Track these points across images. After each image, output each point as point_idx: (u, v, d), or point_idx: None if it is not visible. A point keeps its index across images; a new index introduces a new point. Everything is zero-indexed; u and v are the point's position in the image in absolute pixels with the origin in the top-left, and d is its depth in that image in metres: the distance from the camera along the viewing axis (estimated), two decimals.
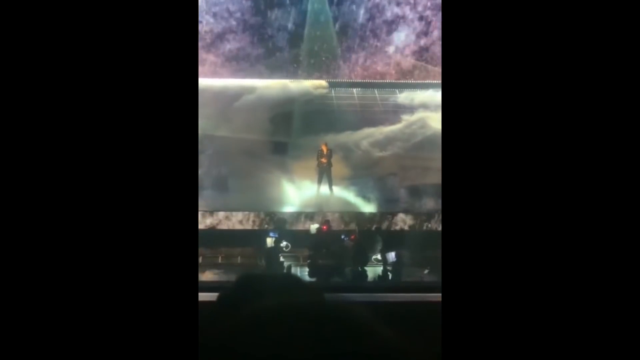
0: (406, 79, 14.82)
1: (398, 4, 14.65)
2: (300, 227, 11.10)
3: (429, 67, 14.64)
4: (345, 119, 13.77)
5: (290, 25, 14.68)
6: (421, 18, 14.63)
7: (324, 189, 11.91)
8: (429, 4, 14.51)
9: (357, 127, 13.52)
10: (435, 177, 10.74)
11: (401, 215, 11.38)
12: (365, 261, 9.91)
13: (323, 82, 14.76)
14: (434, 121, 13.02)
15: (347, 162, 12.50)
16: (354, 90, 14.80)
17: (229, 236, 10.94)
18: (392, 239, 10.19)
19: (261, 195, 11.66)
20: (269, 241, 10.09)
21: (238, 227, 11.25)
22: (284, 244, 10.24)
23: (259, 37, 14.69)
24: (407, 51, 14.84)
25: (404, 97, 14.47)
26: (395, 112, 14.07)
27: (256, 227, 11.17)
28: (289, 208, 11.71)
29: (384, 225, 11.10)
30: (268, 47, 14.70)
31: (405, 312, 2.39)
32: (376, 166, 12.68)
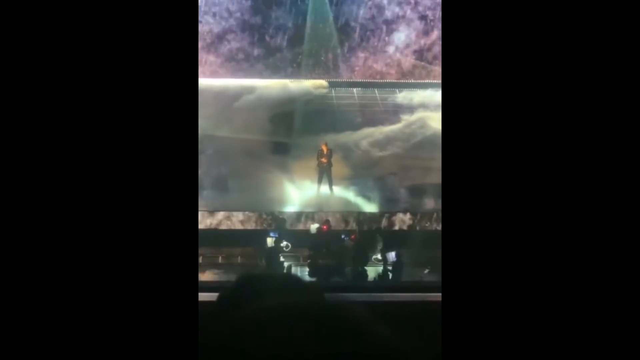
0: (406, 79, 14.83)
1: (399, 4, 14.65)
2: (300, 227, 11.10)
3: (429, 66, 14.64)
4: (346, 118, 13.78)
5: (290, 25, 14.68)
6: (421, 18, 14.63)
7: (324, 188, 11.91)
8: (429, 3, 14.51)
9: (357, 127, 13.52)
10: (435, 176, 10.74)
11: (401, 215, 11.39)
12: (366, 261, 9.91)
13: (323, 82, 14.77)
14: (434, 121, 13.03)
15: (347, 162, 12.51)
16: (354, 90, 14.80)
17: (229, 236, 10.94)
18: (392, 239, 10.20)
19: (261, 195, 11.66)
20: (269, 241, 10.10)
21: (238, 227, 11.25)
22: (284, 243, 10.25)
23: (259, 37, 14.70)
24: (407, 51, 14.84)
25: (404, 96, 14.47)
26: (395, 112, 14.08)
27: (256, 227, 11.17)
28: (289, 208, 11.71)
29: (384, 225, 11.11)
30: (268, 47, 14.70)
31: (405, 312, 2.39)
32: (376, 166, 12.69)
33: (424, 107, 13.87)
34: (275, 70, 14.70)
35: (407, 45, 14.83)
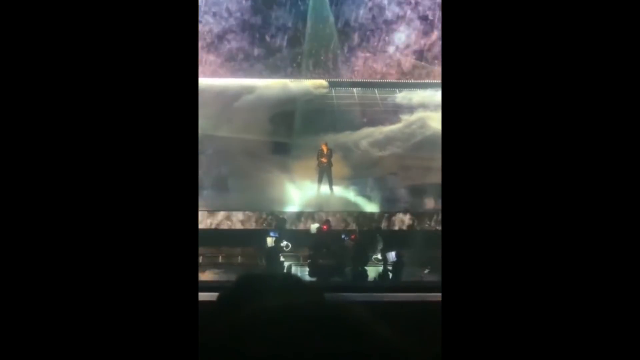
0: (406, 79, 14.83)
1: (399, 4, 14.66)
2: (300, 226, 11.09)
3: (429, 66, 14.65)
4: (346, 118, 13.78)
5: (290, 25, 14.69)
6: (422, 18, 14.63)
7: (324, 188, 11.91)
8: (429, 3, 14.51)
9: (357, 126, 13.52)
10: (435, 176, 10.74)
11: (401, 215, 11.38)
12: (366, 261, 9.91)
13: (323, 82, 14.77)
14: (434, 121, 13.03)
15: (347, 161, 12.51)
16: (354, 90, 14.80)
17: (229, 236, 10.94)
18: (393, 239, 10.19)
19: (261, 195, 11.66)
20: (269, 241, 10.09)
21: (238, 226, 11.25)
22: (284, 243, 10.24)
23: (259, 37, 14.70)
24: (407, 51, 14.85)
25: (403, 96, 14.47)
26: (395, 111, 14.08)
27: (257, 227, 11.17)
28: (289, 208, 11.70)
29: (384, 225, 11.10)
30: (268, 47, 14.70)
31: (405, 312, 2.39)
32: (376, 166, 12.69)
33: (424, 107, 13.87)
34: (275, 70, 14.70)
35: (407, 46, 14.84)
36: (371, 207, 11.77)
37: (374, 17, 14.73)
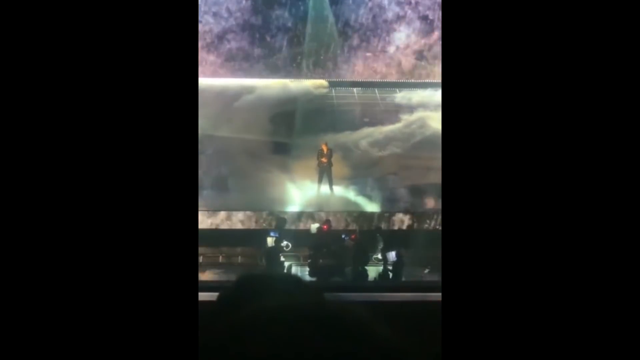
0: (406, 79, 14.83)
1: (399, 4, 14.66)
2: (300, 226, 11.10)
3: (429, 66, 14.65)
4: (346, 118, 13.78)
5: (290, 25, 14.69)
6: (421, 18, 14.63)
7: (325, 188, 11.91)
8: (429, 3, 14.51)
9: (357, 126, 13.52)
10: (435, 176, 10.74)
11: (401, 215, 11.38)
12: (366, 261, 9.90)
13: (323, 82, 14.77)
14: (434, 121, 13.03)
15: (347, 161, 12.51)
16: (354, 89, 14.80)
17: (229, 236, 10.94)
18: (393, 239, 10.19)
19: (262, 195, 11.66)
20: (270, 241, 10.08)
21: (238, 226, 11.25)
22: (284, 243, 10.23)
23: (259, 37, 14.70)
24: (407, 51, 14.84)
25: (403, 96, 14.47)
26: (395, 111, 14.08)
27: (257, 227, 11.17)
28: (289, 208, 11.70)
29: (385, 225, 11.10)
30: (268, 47, 14.70)
31: (405, 312, 2.39)
32: (376, 166, 12.69)
33: (424, 107, 13.87)
34: (275, 70, 14.70)
35: (407, 45, 14.83)
36: (371, 207, 11.77)
37: (374, 17, 14.73)
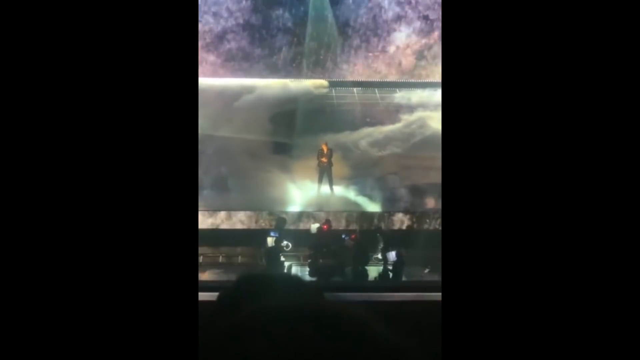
0: (406, 79, 14.84)
1: (399, 4, 14.66)
2: (300, 226, 11.10)
3: (429, 66, 14.65)
4: (346, 118, 13.79)
5: (290, 25, 14.70)
6: (421, 18, 14.63)
7: (325, 188, 11.92)
8: (429, 3, 14.52)
9: (357, 126, 13.54)
10: (435, 176, 10.75)
11: (401, 215, 11.39)
12: (366, 260, 9.91)
13: (323, 82, 14.78)
14: (433, 121, 13.04)
15: (347, 161, 12.51)
16: (355, 89, 14.81)
17: (229, 235, 10.94)
18: (393, 238, 10.19)
19: (262, 194, 11.66)
20: (270, 241, 10.09)
21: (239, 226, 11.25)
22: (284, 243, 10.23)
23: (259, 37, 14.70)
24: (407, 51, 14.85)
25: (403, 96, 14.48)
26: (395, 111, 14.09)
27: (257, 227, 11.17)
28: (289, 207, 11.71)
29: (385, 225, 11.11)
30: (268, 47, 14.71)
31: (405, 312, 2.39)
32: (376, 166, 12.70)
33: (424, 106, 13.88)
34: (275, 70, 14.71)
35: (407, 45, 14.84)
36: (371, 207, 11.78)
37: (374, 17, 14.73)
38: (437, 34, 14.37)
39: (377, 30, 14.74)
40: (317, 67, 14.81)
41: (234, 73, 14.64)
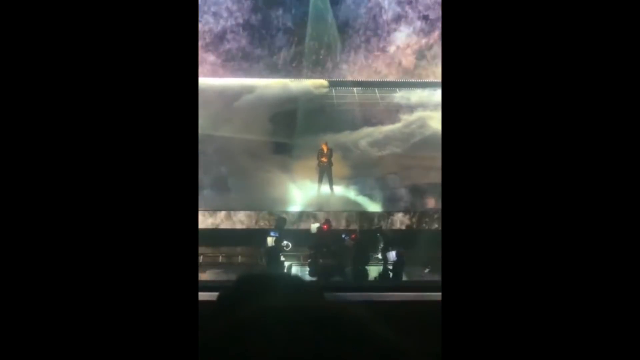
0: (406, 79, 14.84)
1: (399, 4, 14.67)
2: (301, 226, 11.10)
3: (429, 66, 14.65)
4: (346, 118, 13.78)
5: (290, 25, 14.70)
6: (422, 17, 14.64)
7: (325, 188, 11.91)
8: (429, 3, 14.52)
9: (357, 126, 13.53)
10: (435, 176, 10.75)
11: (401, 215, 11.39)
12: (366, 260, 9.90)
13: (323, 82, 14.77)
14: (433, 121, 13.04)
15: (347, 161, 12.51)
16: (355, 89, 14.81)
17: (229, 236, 10.94)
18: (393, 238, 10.19)
19: (262, 194, 11.66)
20: (270, 240, 10.08)
21: (239, 226, 11.25)
22: (284, 243, 10.23)
23: (259, 37, 14.70)
24: (408, 51, 14.85)
25: (403, 96, 14.47)
26: (395, 111, 14.09)
27: (257, 227, 11.17)
28: (289, 207, 11.71)
29: (385, 225, 11.10)
30: (268, 47, 14.71)
31: (405, 312, 2.39)
32: (376, 165, 12.69)
33: (423, 106, 13.88)
34: (275, 70, 14.70)
35: (408, 45, 14.84)
36: (371, 207, 11.77)
37: (374, 17, 14.73)
38: (437, 34, 14.36)
39: (377, 30, 14.74)
40: (317, 67, 14.81)
41: (234, 73, 14.64)
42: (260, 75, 14.60)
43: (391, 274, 9.59)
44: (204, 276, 9.12)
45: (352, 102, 14.52)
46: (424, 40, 14.72)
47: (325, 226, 10.50)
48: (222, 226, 11.16)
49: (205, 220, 10.84)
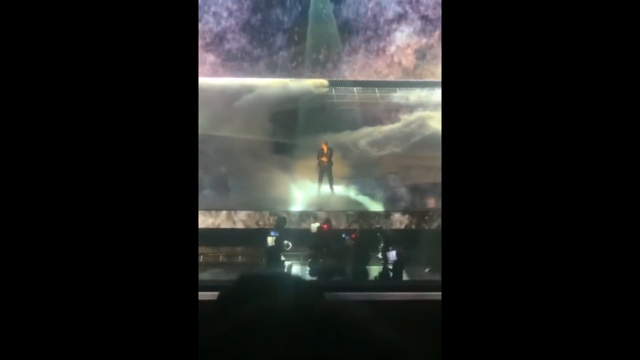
0: (406, 79, 14.85)
1: (399, 3, 14.67)
2: (301, 226, 11.10)
3: (429, 66, 14.66)
4: (346, 118, 13.80)
5: (290, 25, 14.70)
6: (422, 17, 14.64)
7: (325, 188, 11.91)
8: (429, 3, 14.52)
9: (357, 126, 13.54)
10: (435, 176, 10.76)
11: (401, 215, 11.39)
12: (366, 260, 9.90)
13: (324, 81, 14.79)
14: (433, 120, 13.05)
15: (347, 161, 12.51)
16: (355, 89, 14.82)
17: (229, 235, 10.94)
18: (393, 238, 10.19)
19: (262, 194, 11.66)
20: (270, 240, 10.08)
21: (239, 226, 11.25)
22: (284, 243, 10.23)
23: (259, 37, 14.71)
24: (408, 51, 14.85)
25: (403, 96, 14.48)
26: (395, 111, 14.10)
27: (257, 227, 11.17)
28: (289, 207, 11.71)
29: (385, 224, 11.10)
30: (268, 47, 14.72)
31: (405, 311, 2.39)
32: (377, 165, 12.69)
33: (423, 106, 13.88)
34: (275, 70, 14.71)
35: (407, 45, 14.84)
36: (372, 207, 11.78)
37: (374, 16, 14.73)
38: (437, 34, 14.37)
39: (377, 30, 14.75)
40: (317, 67, 14.82)
41: (234, 73, 14.65)
42: (260, 75, 14.60)
43: (391, 274, 9.59)
44: (204, 276, 9.11)
45: (352, 101, 14.52)
46: (424, 40, 14.72)
47: (325, 226, 10.50)
48: (223, 226, 11.16)
49: (205, 220, 10.84)
